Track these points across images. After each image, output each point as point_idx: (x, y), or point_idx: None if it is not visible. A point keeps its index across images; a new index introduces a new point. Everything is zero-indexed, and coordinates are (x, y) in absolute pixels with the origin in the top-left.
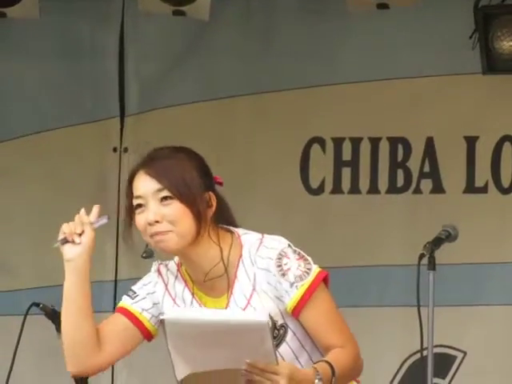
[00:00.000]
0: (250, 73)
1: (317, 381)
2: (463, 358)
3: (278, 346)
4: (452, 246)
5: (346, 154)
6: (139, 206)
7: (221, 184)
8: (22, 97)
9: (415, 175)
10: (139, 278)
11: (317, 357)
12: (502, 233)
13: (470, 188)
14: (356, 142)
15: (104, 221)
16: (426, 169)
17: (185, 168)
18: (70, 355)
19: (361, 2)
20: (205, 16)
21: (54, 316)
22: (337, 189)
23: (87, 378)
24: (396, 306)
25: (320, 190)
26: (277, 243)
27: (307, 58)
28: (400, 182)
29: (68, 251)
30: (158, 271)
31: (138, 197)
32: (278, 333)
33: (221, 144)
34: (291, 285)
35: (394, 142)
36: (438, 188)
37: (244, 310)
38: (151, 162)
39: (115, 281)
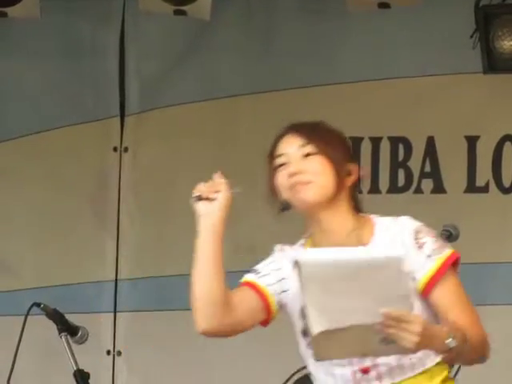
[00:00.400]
0: (250, 72)
1: (450, 339)
2: None
3: None
4: (453, 246)
5: None
6: (281, 164)
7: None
8: (21, 96)
9: (416, 175)
10: (139, 278)
11: None
12: (503, 232)
13: (471, 188)
14: (357, 142)
15: (237, 190)
16: (427, 168)
17: (332, 134)
18: (202, 314)
19: (362, 1)
20: (206, 15)
21: (56, 316)
22: None
23: (88, 377)
24: None
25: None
26: (412, 221)
27: (308, 58)
28: (401, 181)
29: (203, 207)
30: (282, 249)
31: (281, 155)
32: None
33: (221, 143)
34: (427, 257)
35: (394, 141)
36: (438, 188)
37: None
38: (299, 125)
39: (115, 280)
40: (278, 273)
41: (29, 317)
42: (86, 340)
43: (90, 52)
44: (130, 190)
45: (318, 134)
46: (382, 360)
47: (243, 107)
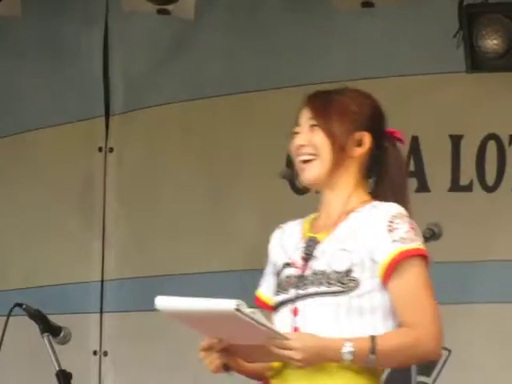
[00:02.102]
0: (235, 72)
1: (344, 351)
2: (448, 355)
3: (339, 293)
4: (437, 245)
5: None
6: (296, 132)
7: (400, 141)
8: (6, 97)
9: None
10: (126, 278)
11: None
12: (486, 231)
13: (455, 187)
14: None
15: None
16: (411, 168)
17: (346, 103)
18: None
19: (346, 0)
20: (189, 15)
21: (38, 317)
22: None
23: (71, 377)
24: None
25: (306, 189)
26: (401, 209)
27: (293, 57)
28: None
29: None
30: (280, 228)
31: (297, 124)
32: (345, 284)
33: (206, 143)
34: (393, 241)
35: None
36: (423, 187)
37: (333, 250)
38: (314, 95)
39: (102, 281)
40: (270, 265)
41: (12, 317)
42: (68, 340)
43: (74, 52)
44: (115, 191)
45: (324, 106)
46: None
47: (229, 107)
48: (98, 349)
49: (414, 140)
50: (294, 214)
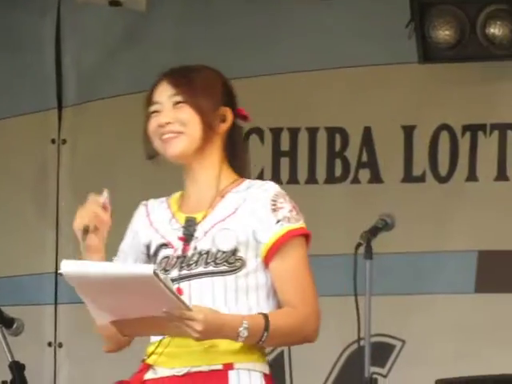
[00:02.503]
0: (188, 63)
1: (241, 329)
2: (402, 346)
3: (225, 273)
4: (390, 235)
5: (284, 145)
6: (154, 111)
7: (245, 118)
8: None
9: (353, 165)
10: None
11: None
12: (439, 222)
13: (408, 177)
14: (294, 133)
15: (106, 195)
16: (364, 158)
17: (207, 79)
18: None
19: None
20: (141, 6)
21: None
22: (275, 179)
23: (24, 368)
24: (334, 296)
25: (258, 180)
26: (276, 186)
27: (246, 48)
28: (338, 171)
29: (92, 242)
30: (144, 204)
31: (154, 102)
32: (232, 264)
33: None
34: (277, 222)
35: (331, 132)
36: (375, 177)
37: (217, 230)
38: (173, 72)
39: (56, 272)
40: (135, 243)
41: None
42: (21, 332)
43: (26, 44)
44: (68, 182)
45: (188, 82)
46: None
47: None
48: (52, 340)
49: (367, 131)
50: None
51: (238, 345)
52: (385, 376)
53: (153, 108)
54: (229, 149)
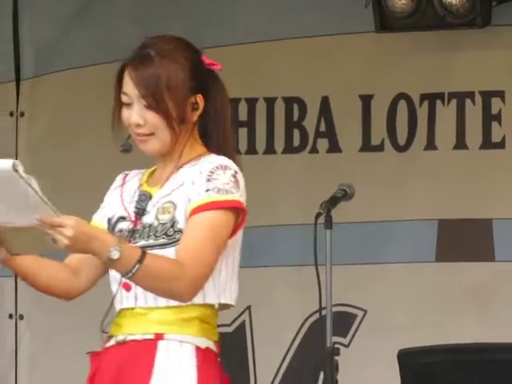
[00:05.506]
0: (145, 34)
1: (113, 249)
2: (363, 316)
3: (166, 245)
4: (349, 205)
5: (242, 115)
6: (126, 104)
7: (215, 66)
8: None
9: (311, 135)
10: None
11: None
12: (398, 191)
13: (366, 147)
14: (252, 103)
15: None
16: (322, 128)
17: (173, 70)
18: (55, 295)
19: None
20: None
21: None
22: None
23: None
24: (294, 266)
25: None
26: (229, 163)
27: (201, 19)
28: (296, 141)
29: None
30: (126, 173)
31: (125, 94)
32: (171, 236)
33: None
34: (206, 191)
35: (289, 101)
36: (334, 147)
37: (161, 203)
38: (137, 63)
39: None
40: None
41: None
42: None
43: None
44: (27, 155)
45: (154, 83)
46: None
47: None
48: (13, 312)
49: (324, 100)
50: None
51: (172, 316)
52: (347, 346)
53: (124, 99)
54: (201, 127)
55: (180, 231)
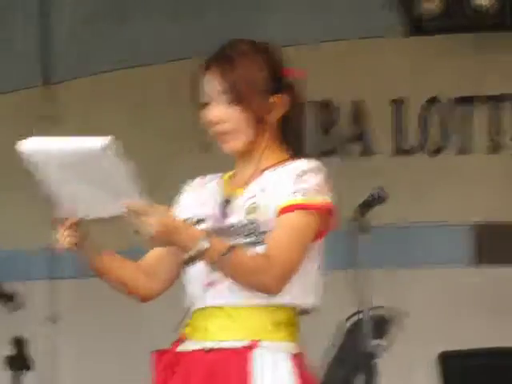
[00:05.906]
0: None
1: (202, 241)
2: (403, 319)
3: (255, 244)
4: (382, 208)
5: None
6: (206, 104)
7: (296, 75)
8: None
9: (343, 139)
10: None
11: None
12: (430, 194)
13: (399, 151)
14: None
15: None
16: (355, 132)
17: (254, 68)
18: (132, 296)
19: None
20: None
21: None
22: None
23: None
24: (334, 270)
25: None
26: (316, 163)
27: (225, 22)
28: (329, 145)
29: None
30: (201, 177)
31: (204, 93)
32: (259, 237)
33: None
34: (294, 192)
35: (320, 106)
36: (366, 151)
37: (247, 205)
38: (219, 62)
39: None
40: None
41: None
42: (21, 307)
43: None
44: None
45: (233, 76)
46: (223, 278)
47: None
48: (48, 314)
49: (357, 105)
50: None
51: (262, 319)
52: (386, 349)
53: (204, 99)
54: (284, 131)
55: (264, 233)
